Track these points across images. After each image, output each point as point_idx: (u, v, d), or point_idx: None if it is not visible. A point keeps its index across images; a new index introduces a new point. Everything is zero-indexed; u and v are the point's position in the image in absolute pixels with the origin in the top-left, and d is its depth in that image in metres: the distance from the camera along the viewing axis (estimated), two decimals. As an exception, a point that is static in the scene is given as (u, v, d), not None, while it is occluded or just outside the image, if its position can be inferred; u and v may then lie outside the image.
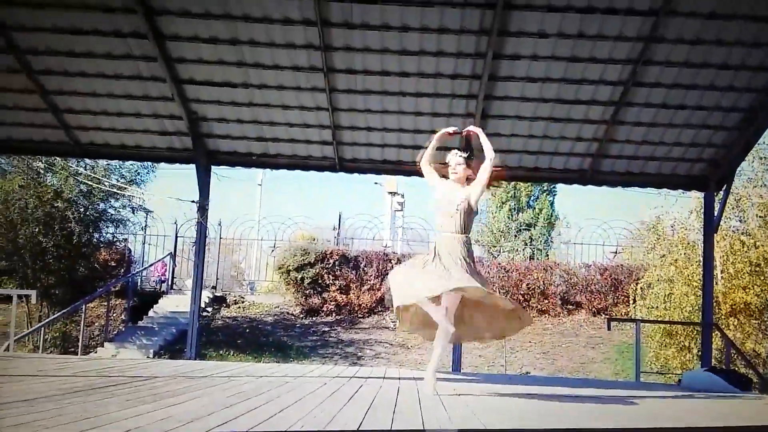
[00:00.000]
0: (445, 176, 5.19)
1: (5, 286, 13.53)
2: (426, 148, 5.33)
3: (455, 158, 5.13)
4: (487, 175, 5.02)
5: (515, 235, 21.14)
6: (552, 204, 23.59)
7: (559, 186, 22.84)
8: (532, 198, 23.28)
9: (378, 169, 10.95)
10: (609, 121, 9.17)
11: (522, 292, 16.31)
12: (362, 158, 10.34)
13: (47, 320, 12.28)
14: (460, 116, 9.24)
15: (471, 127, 5.50)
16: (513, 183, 21.95)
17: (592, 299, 16.32)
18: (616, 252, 17.66)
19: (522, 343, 15.27)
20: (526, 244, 20.56)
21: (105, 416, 3.40)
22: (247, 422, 3.37)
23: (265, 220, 19.12)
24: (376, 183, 23.04)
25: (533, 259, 19.25)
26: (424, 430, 3.35)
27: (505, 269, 16.81)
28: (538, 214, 22.79)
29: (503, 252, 19.96)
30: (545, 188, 22.94)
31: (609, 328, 13.06)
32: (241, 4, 7.84)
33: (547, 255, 20.30)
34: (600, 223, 17.61)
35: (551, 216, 23.20)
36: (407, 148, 10.11)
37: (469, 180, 5.10)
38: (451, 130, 5.42)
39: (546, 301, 16.34)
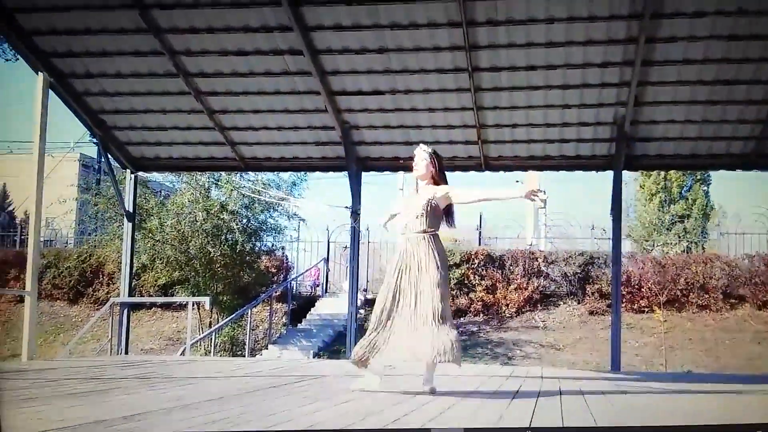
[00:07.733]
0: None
1: (178, 295, 14.62)
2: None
3: (420, 153, 4.80)
4: (453, 195, 4.71)
5: (668, 228, 20.14)
6: (707, 193, 22.25)
7: (714, 174, 21.53)
8: (684, 188, 22.08)
9: (524, 165, 10.90)
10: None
11: (680, 288, 15.60)
12: (507, 155, 10.34)
13: (218, 325, 13.18)
14: (611, 105, 9.06)
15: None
16: (662, 174, 20.93)
17: (757, 292, 15.40)
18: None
19: (682, 342, 14.66)
20: (680, 237, 19.53)
21: (286, 412, 3.63)
22: (416, 420, 3.50)
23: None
24: (517, 181, 22.78)
25: (689, 252, 18.30)
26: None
27: (660, 264, 16.12)
28: (692, 205, 21.56)
29: (657, 246, 19.08)
30: (699, 177, 21.69)
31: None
32: (388, 13, 8.12)
33: (704, 247, 19.23)
34: (763, 211, 16.54)
35: (706, 206, 21.88)
36: (553, 143, 10.02)
37: (433, 180, 4.77)
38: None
39: (706, 296, 15.55)
